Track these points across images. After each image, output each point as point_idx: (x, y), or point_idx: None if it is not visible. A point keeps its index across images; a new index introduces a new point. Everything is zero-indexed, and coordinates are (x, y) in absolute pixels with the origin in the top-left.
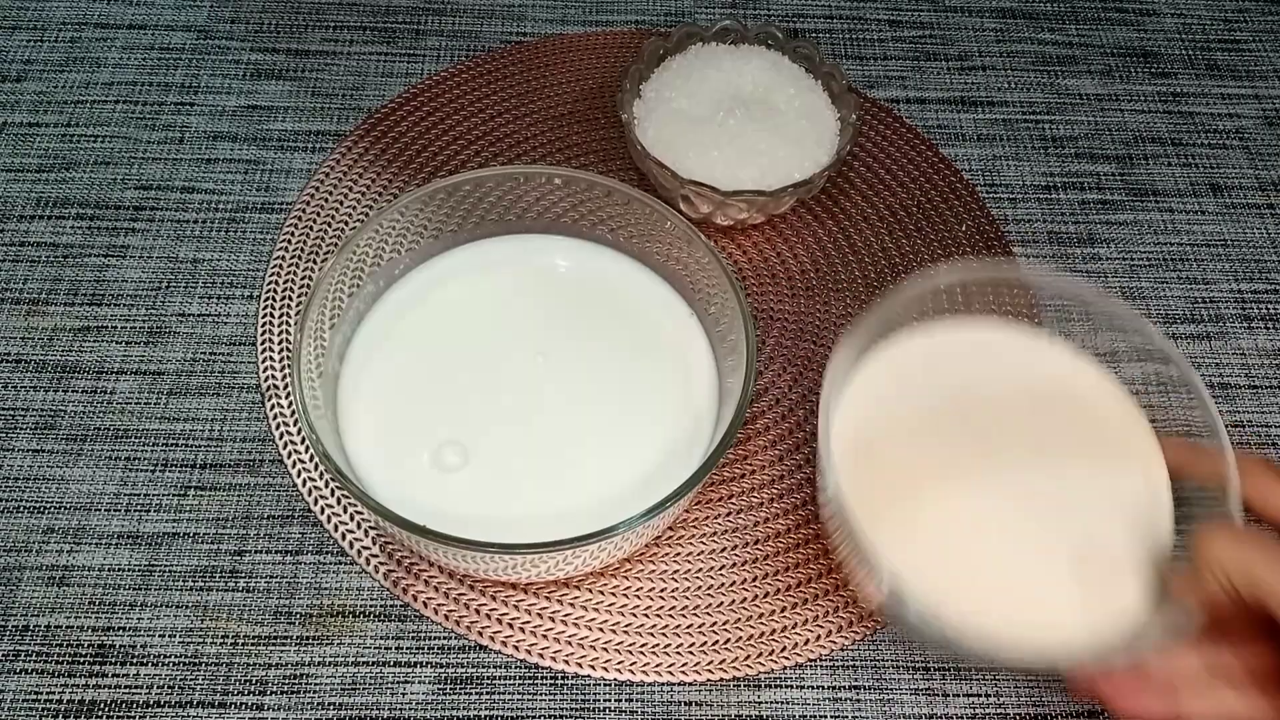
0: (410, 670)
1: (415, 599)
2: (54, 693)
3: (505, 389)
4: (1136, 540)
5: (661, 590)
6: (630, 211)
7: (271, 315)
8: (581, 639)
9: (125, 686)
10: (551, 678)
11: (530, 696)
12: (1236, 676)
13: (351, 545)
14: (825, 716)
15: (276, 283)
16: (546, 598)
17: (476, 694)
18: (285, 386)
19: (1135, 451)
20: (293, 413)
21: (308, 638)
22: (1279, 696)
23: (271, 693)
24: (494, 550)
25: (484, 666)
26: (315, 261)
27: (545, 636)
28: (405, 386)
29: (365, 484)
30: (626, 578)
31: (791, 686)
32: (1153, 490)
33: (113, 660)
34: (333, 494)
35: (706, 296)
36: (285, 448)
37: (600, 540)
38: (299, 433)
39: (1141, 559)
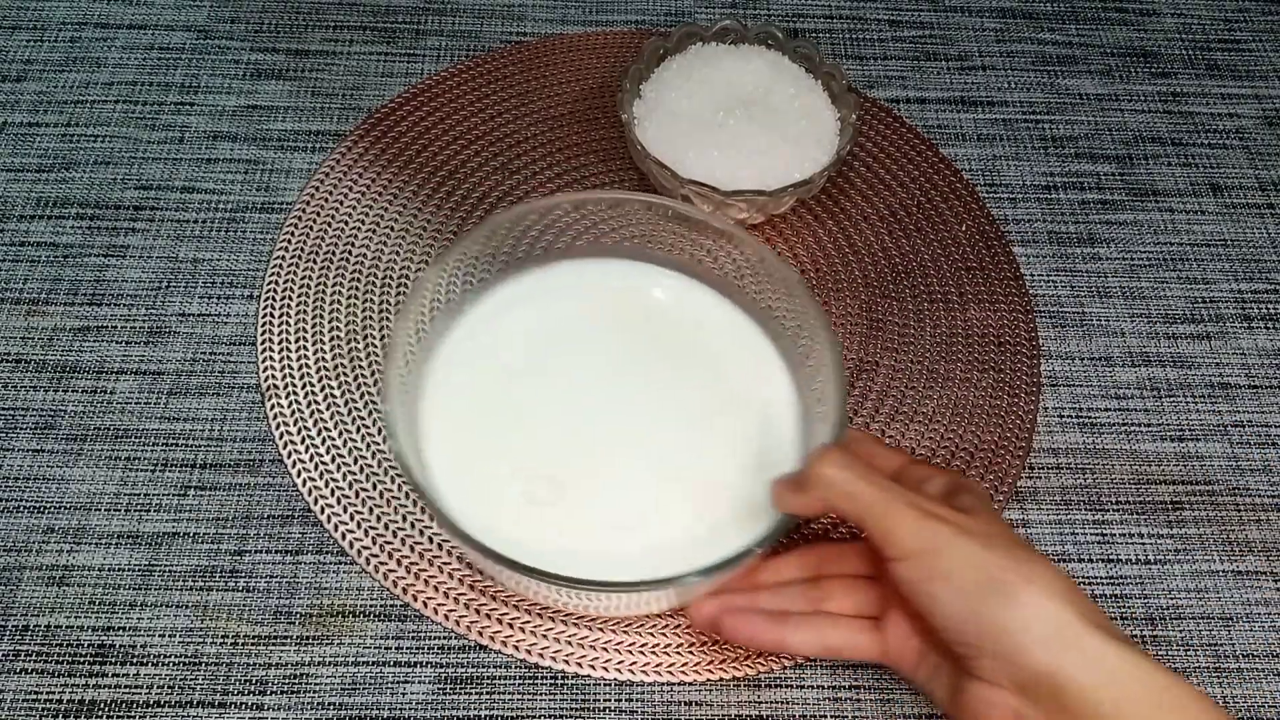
0: (410, 670)
1: (415, 599)
2: (54, 693)
3: (588, 421)
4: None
5: None
6: (732, 248)
7: (271, 315)
8: (581, 639)
9: (125, 686)
10: (551, 678)
11: (530, 696)
12: (836, 609)
13: (351, 545)
14: (825, 716)
15: (276, 283)
16: None
17: (476, 694)
18: (285, 386)
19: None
20: (293, 412)
21: (308, 637)
22: (873, 630)
23: (271, 693)
24: (608, 589)
25: (484, 666)
26: (315, 261)
27: (545, 636)
28: (486, 411)
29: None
30: None
31: (791, 686)
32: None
33: (113, 660)
34: (332, 494)
35: (793, 339)
36: (285, 447)
37: (697, 579)
38: (299, 433)
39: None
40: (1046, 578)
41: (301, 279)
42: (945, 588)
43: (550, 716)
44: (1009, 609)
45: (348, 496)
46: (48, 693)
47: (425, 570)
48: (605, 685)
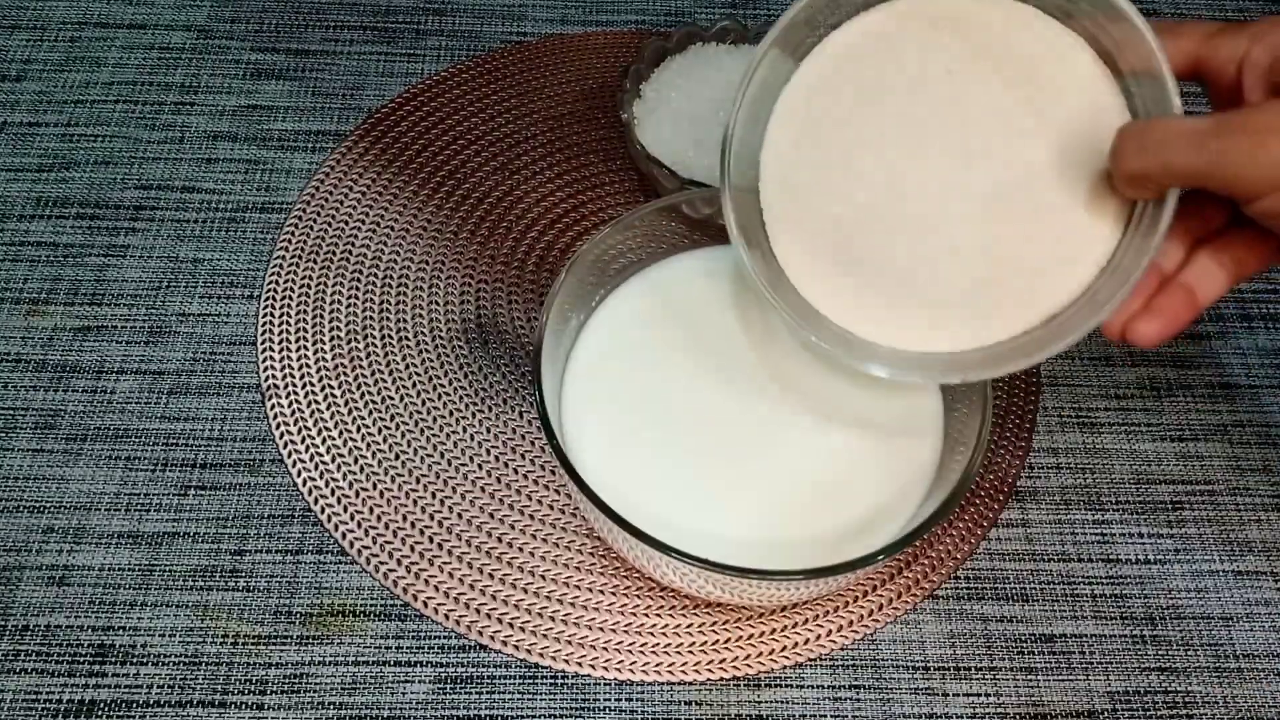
0: (410, 670)
1: (415, 598)
2: (54, 692)
3: (731, 413)
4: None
5: (662, 590)
6: None
7: (272, 315)
8: (581, 639)
9: (125, 686)
10: (551, 677)
11: (530, 696)
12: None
13: (352, 545)
14: (825, 716)
15: (276, 282)
16: (546, 597)
17: (476, 694)
18: (285, 386)
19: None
20: (293, 412)
21: (308, 637)
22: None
23: (272, 692)
24: (772, 577)
25: (484, 666)
26: (315, 261)
27: (545, 636)
28: (632, 395)
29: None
30: (627, 578)
31: (791, 686)
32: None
33: (113, 660)
34: (332, 493)
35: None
36: (285, 447)
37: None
38: (299, 433)
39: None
40: None
41: (301, 279)
42: None
43: (550, 716)
44: None
45: (348, 496)
46: (48, 693)
47: (425, 570)
48: (605, 685)
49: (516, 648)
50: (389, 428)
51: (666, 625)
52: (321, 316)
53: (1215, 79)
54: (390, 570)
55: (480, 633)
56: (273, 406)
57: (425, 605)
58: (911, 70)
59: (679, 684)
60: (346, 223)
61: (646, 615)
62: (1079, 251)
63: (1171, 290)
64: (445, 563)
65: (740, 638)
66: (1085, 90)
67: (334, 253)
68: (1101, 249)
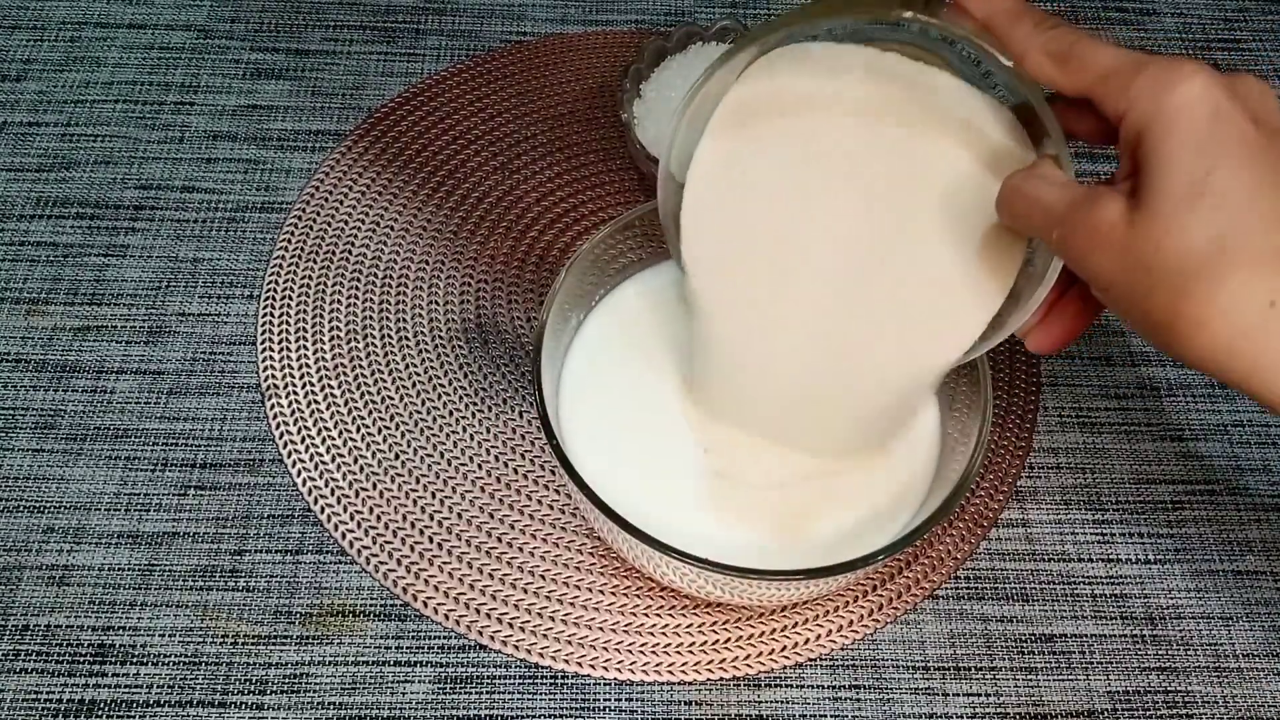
0: (410, 670)
1: (415, 598)
2: (54, 692)
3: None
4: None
5: (662, 590)
6: None
7: (271, 315)
8: (581, 639)
9: (125, 686)
10: (551, 677)
11: (530, 696)
12: None
13: (351, 545)
14: (825, 716)
15: (276, 282)
16: (546, 597)
17: (476, 693)
18: (285, 386)
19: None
20: (293, 412)
21: (308, 637)
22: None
23: (271, 692)
24: (773, 577)
25: (484, 666)
26: (315, 261)
27: (545, 636)
28: (632, 394)
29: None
30: (627, 577)
31: (791, 686)
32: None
33: (113, 660)
34: (332, 493)
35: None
36: (285, 447)
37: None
38: (299, 432)
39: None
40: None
41: (301, 279)
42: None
43: (550, 716)
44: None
45: (348, 496)
46: (48, 693)
47: (425, 570)
48: (605, 685)
49: (516, 648)
50: (389, 428)
51: (666, 625)
52: (321, 316)
53: (1105, 115)
54: (390, 570)
55: (480, 633)
56: (272, 406)
57: (425, 605)
58: (821, 119)
59: (679, 684)
60: (346, 222)
61: (646, 615)
62: (976, 297)
63: (1068, 300)
64: (445, 563)
65: (740, 638)
66: (985, 149)
67: (334, 253)
68: (1000, 286)
